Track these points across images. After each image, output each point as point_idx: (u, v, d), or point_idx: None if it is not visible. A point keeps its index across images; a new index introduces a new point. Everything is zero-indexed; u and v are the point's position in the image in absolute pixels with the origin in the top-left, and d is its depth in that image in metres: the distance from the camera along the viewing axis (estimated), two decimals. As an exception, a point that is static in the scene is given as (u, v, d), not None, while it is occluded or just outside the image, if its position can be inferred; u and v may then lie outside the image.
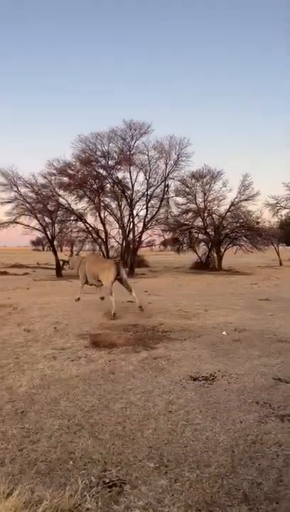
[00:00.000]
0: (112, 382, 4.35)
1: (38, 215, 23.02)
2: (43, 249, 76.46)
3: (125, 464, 2.70)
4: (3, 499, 2.23)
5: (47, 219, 23.80)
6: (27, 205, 22.65)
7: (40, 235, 27.43)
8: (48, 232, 24.18)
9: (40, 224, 23.43)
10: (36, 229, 23.92)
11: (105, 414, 3.52)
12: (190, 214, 27.80)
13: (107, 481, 2.51)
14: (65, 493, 2.31)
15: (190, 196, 27.14)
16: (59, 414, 3.51)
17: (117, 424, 3.31)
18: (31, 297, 11.81)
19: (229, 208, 27.20)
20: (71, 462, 2.72)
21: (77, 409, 3.64)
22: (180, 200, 26.90)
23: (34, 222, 23.47)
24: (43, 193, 23.16)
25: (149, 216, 23.64)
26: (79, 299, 10.61)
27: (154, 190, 23.57)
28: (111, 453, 2.84)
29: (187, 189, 26.85)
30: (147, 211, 23.59)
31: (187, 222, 27.91)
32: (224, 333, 6.68)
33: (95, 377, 4.50)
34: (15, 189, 22.39)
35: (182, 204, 27.14)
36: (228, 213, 27.51)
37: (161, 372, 4.71)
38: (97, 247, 26.22)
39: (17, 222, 22.99)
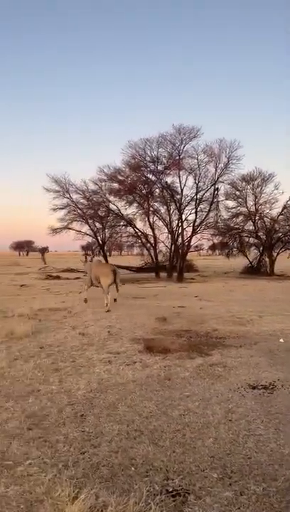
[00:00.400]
0: (169, 389, 4.31)
1: (89, 221, 23.50)
2: (93, 254, 77.80)
3: (187, 473, 2.65)
4: (69, 503, 2.25)
5: (98, 224, 24.25)
6: (78, 211, 23.19)
7: (90, 240, 27.98)
8: (99, 238, 24.61)
9: (91, 229, 23.90)
10: (87, 234, 24.43)
11: (164, 420, 3.50)
12: (241, 218, 27.22)
13: (170, 489, 2.47)
14: (130, 500, 2.30)
15: (241, 199, 26.60)
16: (118, 419, 3.53)
17: (177, 432, 3.27)
18: (83, 301, 12.01)
19: (282, 210, 26.36)
20: (133, 468, 2.71)
21: (136, 414, 3.64)
22: (230, 203, 26.46)
23: (85, 228, 23.99)
24: (94, 199, 23.63)
25: (198, 220, 23.43)
26: (86, 300, 11.63)
27: (204, 194, 23.32)
28: (172, 461, 2.81)
29: (237, 192, 26.34)
30: (196, 215, 23.39)
31: (237, 226, 27.35)
32: (281, 340, 6.46)
33: (151, 383, 4.49)
34: (68, 196, 23.00)
35: (232, 208, 26.66)
36: (281, 216, 26.69)
37: (218, 379, 4.62)
38: (145, 252, 26.40)
39: (69, 228, 23.59)
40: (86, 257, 13.60)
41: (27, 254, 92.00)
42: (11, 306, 10.60)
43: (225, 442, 3.08)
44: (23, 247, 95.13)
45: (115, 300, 11.04)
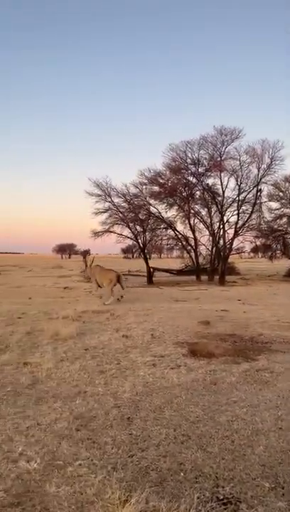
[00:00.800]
0: (215, 393, 4.25)
1: (130, 224, 23.65)
2: (133, 257, 78.42)
3: (238, 481, 2.59)
4: (120, 506, 2.26)
5: (138, 227, 24.37)
6: (120, 214, 23.40)
7: (130, 243, 28.19)
8: (140, 241, 24.72)
9: (132, 232, 24.03)
10: (128, 237, 24.57)
11: (211, 426, 3.44)
12: (284, 219, 26.53)
13: (221, 497, 2.43)
14: (180, 506, 2.27)
15: (284, 201, 25.93)
16: (164, 423, 3.51)
17: (225, 438, 3.21)
18: (126, 304, 12.09)
19: None
20: (182, 474, 2.68)
21: (182, 419, 3.61)
22: (274, 205, 25.82)
23: (126, 231, 24.15)
24: (135, 202, 23.77)
25: (241, 222, 23.03)
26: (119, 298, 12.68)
27: (246, 196, 22.90)
28: (222, 468, 2.76)
29: (281, 193, 25.70)
30: (238, 217, 22.99)
31: (281, 228, 26.68)
32: None
33: (197, 387, 4.44)
34: (109, 199, 23.24)
35: (275, 209, 26.00)
36: None
37: (266, 385, 4.50)
38: (186, 254, 26.27)
39: (110, 231, 23.82)
40: (86, 264, 14.51)
41: (69, 257, 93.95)
42: (56, 308, 10.84)
43: (276, 451, 2.99)
44: (66, 250, 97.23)
45: (122, 297, 12.65)
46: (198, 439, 3.19)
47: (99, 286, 13.21)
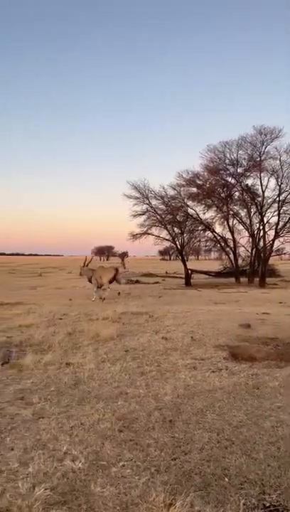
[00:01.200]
0: (258, 398, 4.17)
1: (168, 226, 23.65)
2: (170, 259, 78.35)
3: (285, 489, 2.52)
4: (164, 509, 2.25)
5: (176, 229, 24.34)
6: (157, 216, 23.45)
7: (168, 244, 28.15)
8: (177, 242, 24.67)
9: (170, 234, 24.02)
10: (166, 239, 24.59)
11: (255, 431, 3.37)
12: None
13: (268, 504, 2.37)
14: (226, 512, 2.24)
15: None
16: (207, 427, 3.47)
17: (270, 444, 3.13)
18: (164, 306, 12.09)
19: None
20: (226, 479, 2.65)
21: (225, 423, 3.56)
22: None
23: (164, 233, 24.17)
24: (173, 204, 23.75)
25: (281, 223, 22.50)
26: (104, 298, 13.76)
27: (287, 196, 22.35)
28: (268, 475, 2.69)
29: None
30: (279, 218, 22.47)
31: None
32: None
33: (239, 391, 4.37)
34: (147, 202, 23.35)
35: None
36: None
37: (311, 391, 4.36)
38: (224, 256, 25.95)
39: (148, 233, 23.93)
40: (84, 263, 15.18)
41: (107, 259, 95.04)
42: (95, 309, 11.00)
43: None
44: (104, 252, 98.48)
45: (119, 293, 14.65)
46: (242, 445, 3.13)
47: (99, 285, 14.19)
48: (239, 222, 24.53)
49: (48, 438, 3.28)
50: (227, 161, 23.34)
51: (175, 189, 23.94)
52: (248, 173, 23.12)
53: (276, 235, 22.56)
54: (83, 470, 2.77)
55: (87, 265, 15.00)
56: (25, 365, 5.40)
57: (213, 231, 24.93)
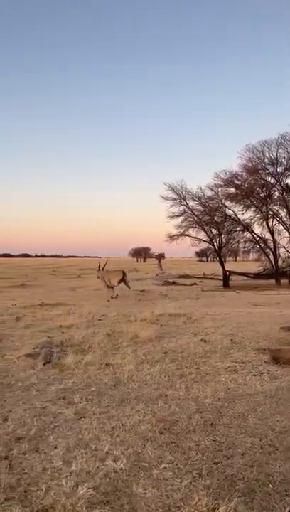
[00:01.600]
0: (302, 404, 4.05)
1: (205, 227, 23.45)
2: (207, 260, 77.68)
3: None
4: (208, 513, 2.23)
5: (214, 230, 24.09)
6: (195, 217, 23.30)
7: (205, 246, 27.89)
8: (215, 244, 24.41)
9: (207, 235, 23.81)
10: (203, 240, 24.38)
11: (300, 438, 3.28)
12: None
13: (314, 514, 2.30)
14: (271, 520, 2.19)
15: None
16: (249, 432, 3.41)
17: (316, 452, 3.04)
18: (202, 307, 12.01)
19: None
20: (271, 485, 2.59)
21: (268, 428, 3.48)
22: None
23: (201, 234, 23.97)
24: (210, 205, 23.53)
25: None
26: (117, 296, 15.46)
27: None
28: (314, 483, 2.61)
29: None
30: None
31: None
32: None
33: (282, 396, 4.27)
34: (184, 203, 23.26)
35: None
36: None
37: None
38: (264, 257, 25.41)
39: (185, 235, 23.82)
40: (99, 267, 16.54)
41: (144, 261, 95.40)
42: (133, 310, 11.07)
43: None
44: (141, 253, 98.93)
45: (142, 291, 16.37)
46: (286, 451, 3.05)
47: (109, 286, 15.86)
48: (279, 223, 23.94)
49: (90, 438, 3.33)
50: (266, 160, 22.86)
51: (212, 190, 23.70)
52: (288, 173, 22.57)
53: None
54: (125, 471, 2.79)
55: (102, 269, 16.46)
56: (66, 365, 5.51)
57: (252, 232, 24.47)
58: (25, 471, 2.83)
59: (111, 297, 15.24)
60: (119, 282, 16.02)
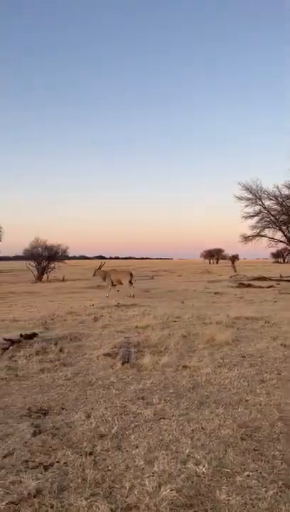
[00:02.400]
0: None
1: (283, 227, 22.59)
2: (284, 261, 74.60)
3: None
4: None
5: (292, 230, 23.17)
6: (271, 217, 22.55)
7: (282, 246, 26.83)
8: (293, 244, 23.45)
9: (285, 236, 22.92)
10: (281, 241, 23.50)
11: None
12: None
13: None
14: None
15: None
16: None
17: None
18: (280, 311, 11.54)
19: None
20: None
21: None
22: None
23: (278, 235, 23.16)
24: (288, 204, 22.63)
25: None
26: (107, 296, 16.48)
27: None
28: None
29: None
30: None
31: None
32: None
33: None
34: (260, 203, 22.63)
35: None
36: None
37: None
38: None
39: (261, 235, 23.14)
40: (100, 266, 18.55)
41: (217, 262, 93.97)
42: (208, 313, 10.93)
43: None
44: (213, 255, 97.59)
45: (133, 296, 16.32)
46: None
47: (113, 284, 17.68)
48: None
49: (170, 439, 3.33)
50: None
51: (290, 188, 22.82)
52: None
53: None
54: (207, 475, 2.76)
55: (100, 268, 18.54)
56: (143, 365, 5.59)
57: None
58: (109, 467, 2.90)
59: (106, 296, 16.57)
60: (129, 282, 17.66)
